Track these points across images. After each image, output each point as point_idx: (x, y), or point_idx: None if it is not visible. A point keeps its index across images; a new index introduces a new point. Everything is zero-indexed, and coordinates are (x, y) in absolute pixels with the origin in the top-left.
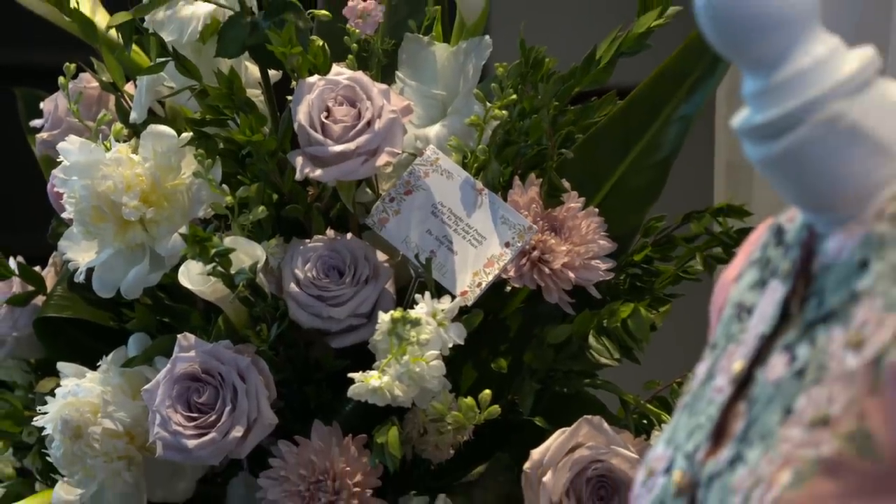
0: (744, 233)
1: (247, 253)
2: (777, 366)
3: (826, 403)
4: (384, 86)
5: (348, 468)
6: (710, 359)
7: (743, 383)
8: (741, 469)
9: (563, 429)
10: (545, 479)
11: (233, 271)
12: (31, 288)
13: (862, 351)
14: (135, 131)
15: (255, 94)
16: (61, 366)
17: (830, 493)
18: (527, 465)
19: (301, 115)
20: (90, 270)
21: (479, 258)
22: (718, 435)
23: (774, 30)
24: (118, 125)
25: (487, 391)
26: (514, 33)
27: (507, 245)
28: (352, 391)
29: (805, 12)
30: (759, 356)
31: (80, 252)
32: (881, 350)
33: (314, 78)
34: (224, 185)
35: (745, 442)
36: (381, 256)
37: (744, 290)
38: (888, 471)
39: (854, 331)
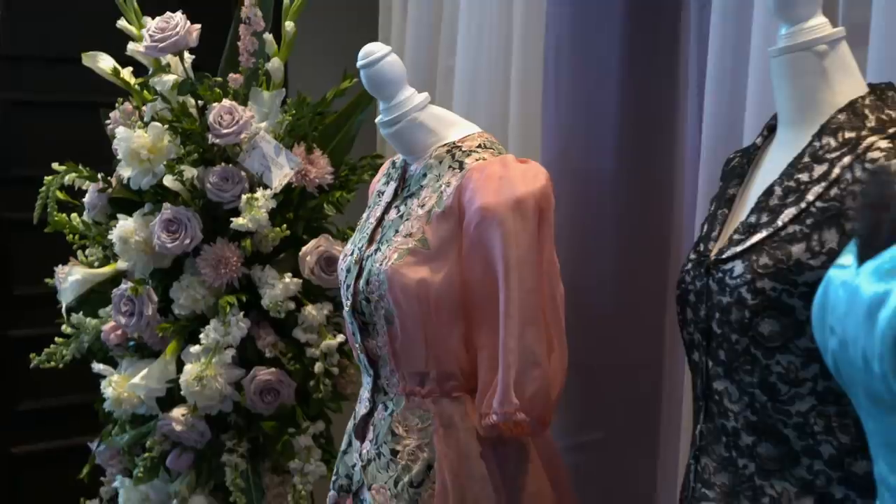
0: (382, 164)
1: (190, 172)
2: (392, 214)
3: (411, 227)
4: (244, 107)
5: (231, 255)
6: (368, 211)
7: (380, 221)
8: (379, 253)
9: (315, 239)
10: (307, 258)
11: (185, 178)
12: (106, 185)
13: (424, 207)
14: (145, 125)
15: (193, 110)
16: (119, 215)
17: (412, 262)
18: (301, 252)
19: (211, 118)
20: (129, 178)
21: (281, 173)
22: (371, 240)
23: (388, 86)
24: (139, 123)
25: (284, 225)
26: (295, 88)
27: (291, 168)
28: (233, 225)
29: (400, 79)
30: (386, 210)
31: (125, 170)
32: (431, 207)
33: (216, 104)
34: (180, 145)
35: (380, 242)
36: (243, 173)
37: (381, 184)
38: (432, 252)
39: (421, 200)
